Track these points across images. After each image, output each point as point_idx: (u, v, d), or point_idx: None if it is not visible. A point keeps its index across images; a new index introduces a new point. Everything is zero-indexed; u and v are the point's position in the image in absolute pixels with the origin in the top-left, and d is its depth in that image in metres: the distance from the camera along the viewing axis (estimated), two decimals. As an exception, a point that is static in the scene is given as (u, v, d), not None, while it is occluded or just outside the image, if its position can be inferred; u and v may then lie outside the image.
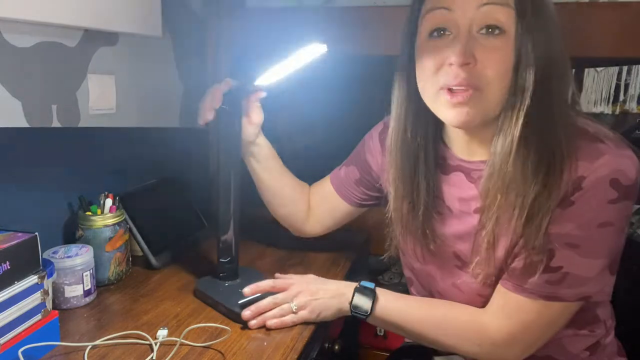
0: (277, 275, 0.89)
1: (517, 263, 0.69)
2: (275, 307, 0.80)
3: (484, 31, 0.65)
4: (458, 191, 0.76)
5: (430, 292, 0.84)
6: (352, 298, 0.79)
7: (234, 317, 0.80)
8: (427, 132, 0.76)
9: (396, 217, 0.81)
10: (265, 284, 0.84)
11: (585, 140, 0.65)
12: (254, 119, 0.91)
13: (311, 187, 1.02)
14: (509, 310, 0.71)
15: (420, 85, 0.72)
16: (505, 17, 0.64)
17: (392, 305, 0.79)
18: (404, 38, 0.75)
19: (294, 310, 0.79)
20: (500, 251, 0.70)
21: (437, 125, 0.77)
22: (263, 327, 0.78)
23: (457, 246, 0.77)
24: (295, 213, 1.00)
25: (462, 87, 0.65)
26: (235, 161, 0.87)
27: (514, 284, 0.69)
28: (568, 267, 0.66)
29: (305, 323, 0.79)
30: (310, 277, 0.87)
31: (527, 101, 0.64)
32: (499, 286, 0.72)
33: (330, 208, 0.98)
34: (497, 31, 0.64)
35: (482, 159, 0.73)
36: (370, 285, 0.81)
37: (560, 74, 0.66)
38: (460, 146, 0.76)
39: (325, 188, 0.98)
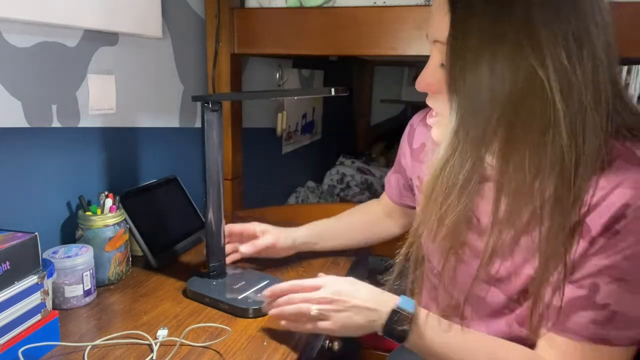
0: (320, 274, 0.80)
1: (558, 300, 0.63)
2: (293, 305, 0.73)
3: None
4: (487, 203, 0.72)
5: (457, 300, 0.80)
6: (386, 320, 0.70)
7: (236, 312, 0.80)
8: None
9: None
10: (285, 285, 0.76)
11: (630, 165, 0.59)
12: (267, 251, 0.96)
13: (374, 204, 1.06)
14: (554, 355, 0.64)
15: None
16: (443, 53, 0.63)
17: (433, 334, 0.70)
18: None
19: (314, 313, 0.71)
20: (528, 269, 0.67)
21: None
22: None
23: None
24: (374, 242, 1.04)
25: (433, 110, 0.69)
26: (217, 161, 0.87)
27: (555, 324, 0.64)
28: (616, 305, 0.60)
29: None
30: (347, 281, 0.75)
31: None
32: (542, 329, 0.67)
33: (396, 218, 1.02)
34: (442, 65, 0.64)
35: None
36: (409, 306, 0.70)
37: (524, 97, 0.59)
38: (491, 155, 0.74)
39: (385, 204, 1.02)
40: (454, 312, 0.80)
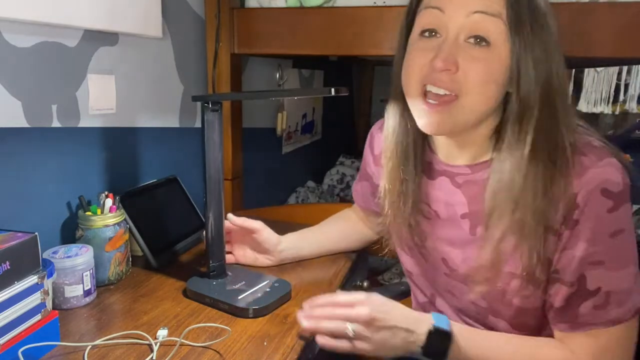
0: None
1: (558, 302, 0.66)
2: (331, 322, 0.70)
3: (471, 40, 0.64)
4: (444, 196, 0.76)
5: (429, 298, 0.84)
6: (425, 342, 0.69)
7: (236, 312, 0.80)
8: (415, 135, 0.76)
9: (388, 223, 0.81)
10: (326, 300, 0.73)
11: (571, 154, 0.64)
12: (250, 236, 0.96)
13: (349, 212, 1.07)
14: (577, 353, 0.67)
15: (404, 83, 0.71)
16: (494, 28, 0.63)
17: (471, 348, 0.70)
18: (400, 32, 0.74)
19: (351, 334, 0.68)
20: (510, 267, 0.69)
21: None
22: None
23: (446, 251, 0.76)
24: (354, 247, 1.06)
25: (441, 91, 0.66)
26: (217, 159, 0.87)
27: (567, 325, 0.67)
28: (606, 286, 0.64)
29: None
30: (385, 300, 0.72)
31: (534, 118, 0.64)
32: (556, 332, 0.69)
33: (369, 225, 1.04)
34: (484, 42, 0.64)
35: (465, 163, 0.74)
36: (444, 324, 0.70)
37: (561, 87, 0.65)
38: (443, 150, 0.77)
39: (358, 211, 1.04)
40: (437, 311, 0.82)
